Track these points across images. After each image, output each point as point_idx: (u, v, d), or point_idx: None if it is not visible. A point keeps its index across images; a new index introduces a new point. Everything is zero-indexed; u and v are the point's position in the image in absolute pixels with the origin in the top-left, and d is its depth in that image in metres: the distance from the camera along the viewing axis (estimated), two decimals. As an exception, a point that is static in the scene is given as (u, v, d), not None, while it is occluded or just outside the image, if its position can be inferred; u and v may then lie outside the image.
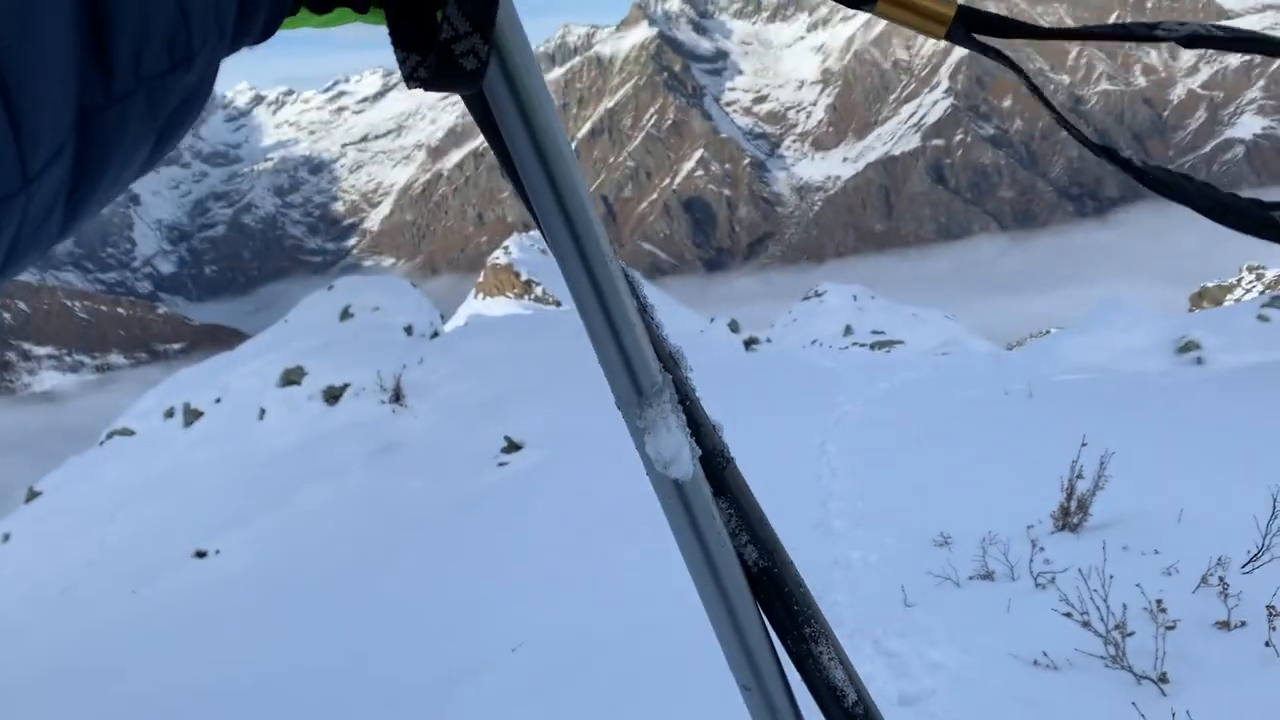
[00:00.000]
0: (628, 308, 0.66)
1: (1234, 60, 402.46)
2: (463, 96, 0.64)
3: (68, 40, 0.34)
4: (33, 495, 15.62)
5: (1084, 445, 5.33)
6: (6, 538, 14.34)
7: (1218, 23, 0.62)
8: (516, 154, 0.62)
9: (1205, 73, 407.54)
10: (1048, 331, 37.84)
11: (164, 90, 0.41)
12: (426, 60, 0.55)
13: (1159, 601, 3.50)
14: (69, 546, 12.89)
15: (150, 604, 9.71)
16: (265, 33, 0.50)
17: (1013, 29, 0.64)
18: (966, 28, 0.63)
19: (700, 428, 0.73)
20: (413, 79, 0.56)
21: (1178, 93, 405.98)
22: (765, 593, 0.74)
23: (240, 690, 6.14)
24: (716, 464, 0.73)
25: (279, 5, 0.50)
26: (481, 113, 0.66)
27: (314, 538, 10.33)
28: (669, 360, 0.71)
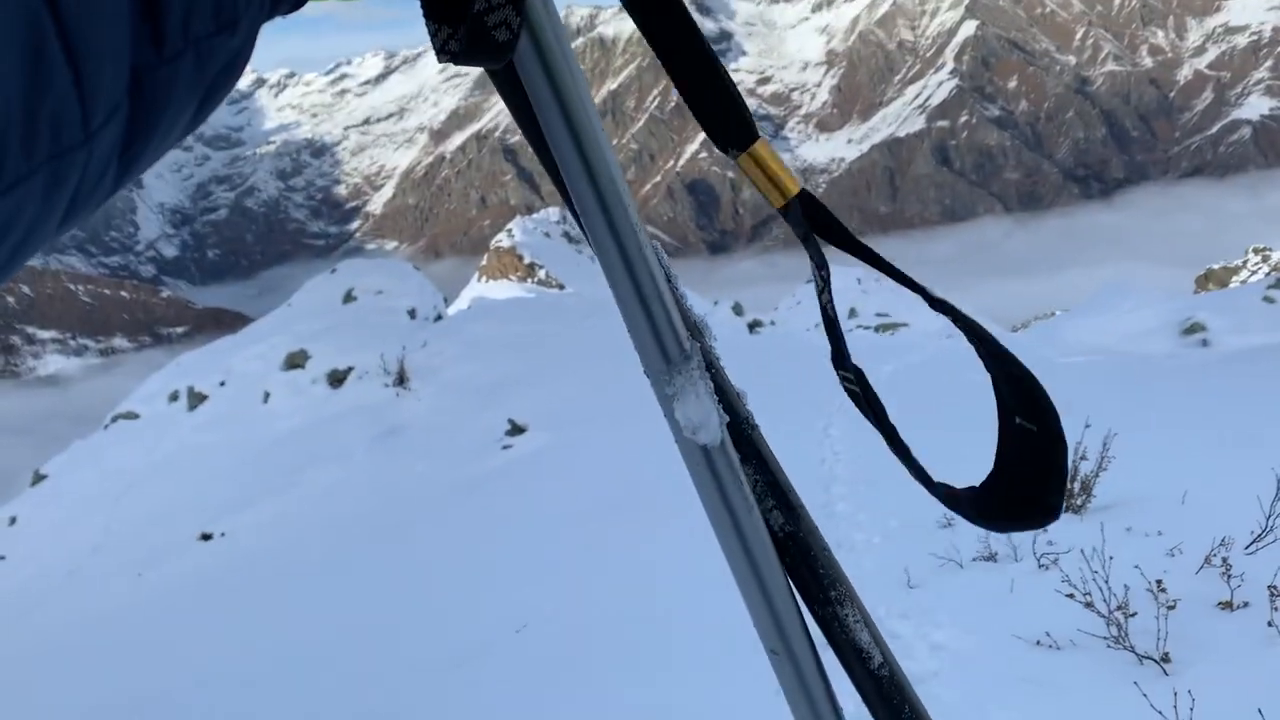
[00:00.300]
0: (657, 277, 0.66)
1: (1241, 41, 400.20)
2: (489, 71, 0.64)
3: (123, 4, 0.36)
4: (38, 479, 15.68)
5: (1088, 427, 5.32)
6: (13, 521, 14.41)
7: (976, 327, 0.67)
8: (547, 126, 0.63)
9: (1212, 53, 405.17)
10: (1052, 314, 37.78)
11: (210, 52, 0.42)
12: (458, 32, 0.56)
13: (1159, 581, 3.50)
14: (75, 530, 12.95)
15: (156, 587, 9.75)
16: (293, 5, 0.51)
17: (834, 234, 0.68)
18: (802, 210, 0.67)
19: (725, 395, 0.73)
20: (444, 51, 0.57)
21: (1184, 73, 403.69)
22: (791, 557, 0.75)
23: (245, 672, 6.18)
24: (742, 430, 0.73)
25: None
26: (509, 86, 0.66)
27: (318, 521, 10.36)
28: (694, 329, 0.72)
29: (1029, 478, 0.69)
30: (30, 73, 0.32)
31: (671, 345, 0.67)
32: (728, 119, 0.65)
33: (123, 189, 0.42)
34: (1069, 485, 5.14)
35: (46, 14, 0.33)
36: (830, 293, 0.70)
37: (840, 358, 0.70)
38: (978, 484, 0.73)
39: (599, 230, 0.65)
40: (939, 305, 0.68)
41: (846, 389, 0.72)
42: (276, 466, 12.57)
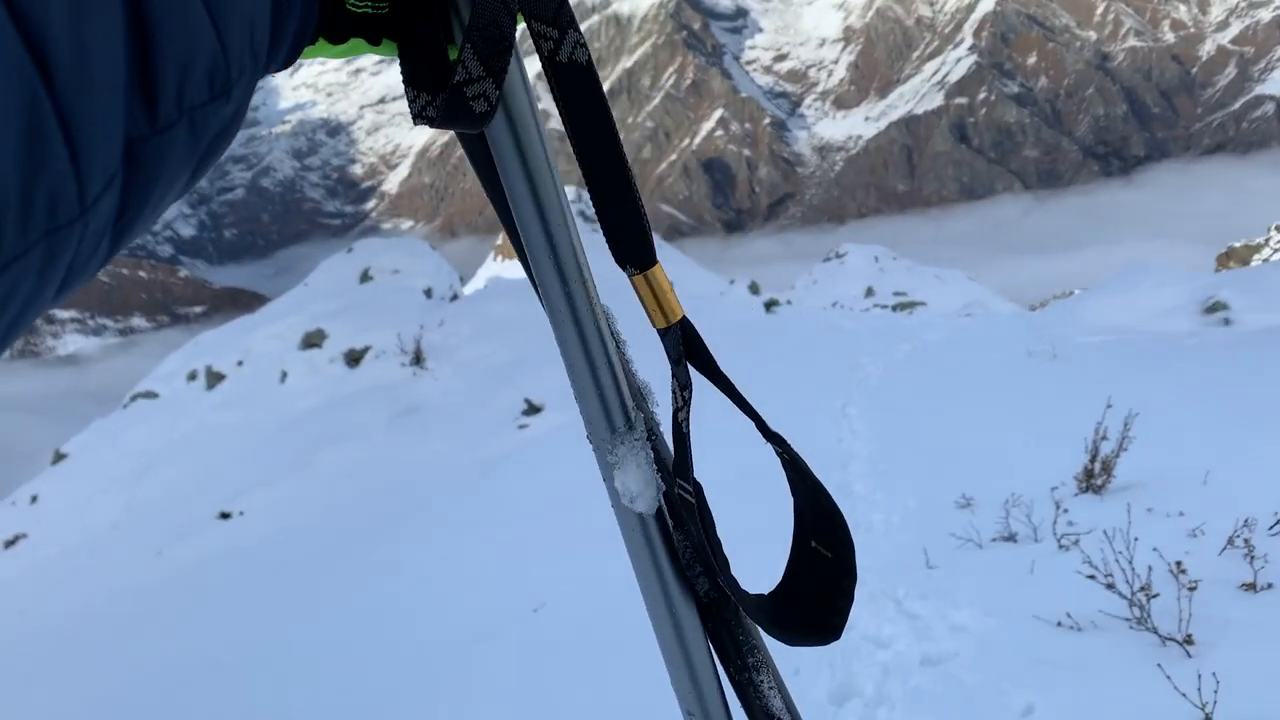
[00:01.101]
0: (608, 348, 0.69)
1: (1265, 15, 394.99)
2: (459, 134, 0.67)
3: (119, 73, 0.36)
4: (59, 457, 15.82)
5: (1109, 407, 5.27)
6: (34, 499, 14.55)
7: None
8: (512, 196, 0.65)
9: (1236, 28, 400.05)
10: (1071, 292, 37.53)
11: (205, 120, 0.43)
12: (436, 100, 0.58)
13: (1179, 563, 3.47)
14: (95, 508, 13.06)
15: (176, 565, 9.83)
16: (287, 62, 0.53)
17: (703, 364, 0.72)
18: (682, 335, 0.71)
19: (664, 459, 0.76)
20: (421, 117, 0.59)
21: (1207, 49, 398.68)
22: (714, 621, 0.77)
23: (262, 649, 6.22)
24: (682, 494, 0.75)
25: (301, 36, 0.52)
26: (477, 150, 0.69)
27: (337, 500, 10.41)
28: (638, 395, 0.74)
29: (817, 600, 0.73)
30: (27, 150, 0.33)
31: (617, 415, 0.70)
32: (634, 240, 0.68)
33: (115, 257, 0.42)
34: (1090, 465, 5.11)
35: (43, 91, 0.33)
36: (688, 411, 0.73)
37: (682, 469, 0.73)
38: (766, 593, 0.77)
39: (555, 301, 0.67)
40: (771, 437, 0.73)
41: (680, 497, 0.74)
42: (294, 446, 12.63)
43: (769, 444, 0.73)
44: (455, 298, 18.42)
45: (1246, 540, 3.60)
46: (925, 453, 6.90)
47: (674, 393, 0.73)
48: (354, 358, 15.06)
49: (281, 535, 9.68)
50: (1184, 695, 2.68)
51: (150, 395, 16.71)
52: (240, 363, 16.19)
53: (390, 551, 7.77)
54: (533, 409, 11.35)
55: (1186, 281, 14.11)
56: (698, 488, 0.73)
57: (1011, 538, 4.67)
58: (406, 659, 5.13)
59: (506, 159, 0.63)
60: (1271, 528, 3.99)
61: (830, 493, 0.73)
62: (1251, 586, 3.53)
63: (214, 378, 16.12)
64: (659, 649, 0.77)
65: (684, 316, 0.72)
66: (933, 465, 6.50)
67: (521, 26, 0.63)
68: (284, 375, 15.34)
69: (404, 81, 0.59)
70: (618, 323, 0.74)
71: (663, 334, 0.72)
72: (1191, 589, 3.29)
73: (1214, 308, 12.05)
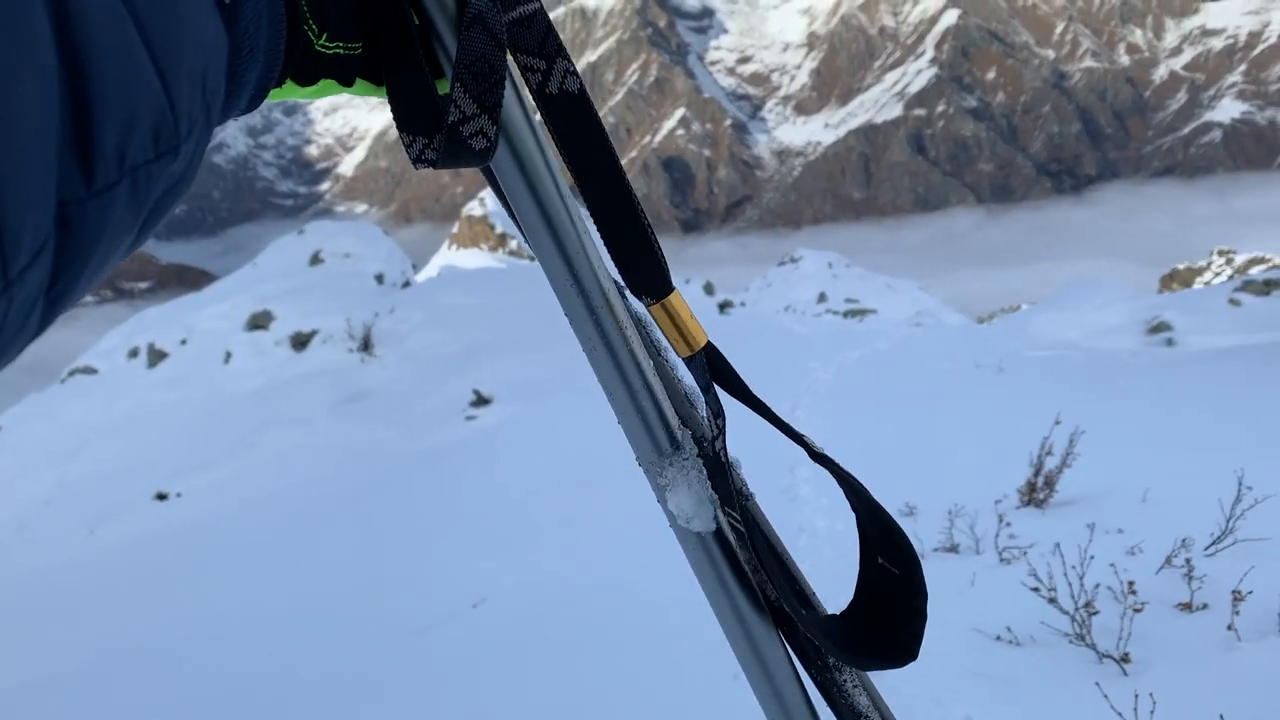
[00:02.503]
0: (645, 370, 0.66)
1: (1217, 44, 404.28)
2: None
3: (50, 134, 0.33)
4: (-9, 430, 15.38)
5: (1058, 423, 5.32)
6: (-38, 472, 14.13)
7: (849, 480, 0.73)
8: (525, 224, 0.62)
9: (1188, 54, 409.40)
10: (1019, 306, 38.12)
11: (149, 179, 0.39)
12: (434, 142, 0.56)
13: (1131, 584, 3.50)
14: (26, 484, 12.72)
15: (109, 545, 9.60)
16: (251, 105, 0.50)
17: (734, 387, 0.71)
18: (707, 362, 0.70)
19: (720, 469, 0.73)
20: (420, 160, 0.57)
21: (1160, 73, 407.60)
22: (788, 624, 0.76)
23: (195, 636, 6.08)
24: (736, 503, 0.73)
25: (265, 81, 0.49)
26: (493, 177, 0.67)
27: (277, 485, 10.23)
28: (684, 404, 0.73)
29: (890, 619, 0.72)
30: None
31: (662, 437, 0.68)
32: (647, 269, 0.66)
33: (50, 325, 0.38)
34: (1034, 479, 5.16)
35: None
36: (724, 438, 0.72)
37: (728, 498, 0.71)
38: (837, 613, 0.75)
39: (584, 330, 0.65)
40: (820, 459, 0.72)
41: (732, 526, 0.72)
42: (236, 428, 12.40)
43: (819, 464, 0.72)
44: (407, 285, 18.23)
45: (1187, 560, 3.63)
46: (871, 459, 6.91)
47: (707, 420, 0.72)
48: (301, 341, 14.83)
49: (217, 520, 9.49)
50: (1120, 715, 2.69)
51: (89, 370, 16.32)
52: (184, 341, 15.87)
53: (328, 541, 7.65)
54: (481, 400, 11.25)
55: (1132, 301, 14.38)
56: (745, 513, 0.72)
57: (954, 549, 4.69)
58: (344, 650, 5.04)
59: (515, 190, 0.61)
60: (1208, 548, 4.04)
61: (887, 510, 0.72)
62: (1188, 606, 3.57)
63: (156, 356, 15.79)
64: (739, 665, 0.75)
65: (708, 342, 0.70)
66: (878, 472, 6.50)
67: None
68: (228, 356, 15.06)
69: (397, 126, 0.56)
70: (656, 329, 0.72)
71: (687, 362, 0.70)
72: (1138, 610, 3.31)
73: (1158, 328, 12.28)
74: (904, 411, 8.47)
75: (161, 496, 10.84)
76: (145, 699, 5.17)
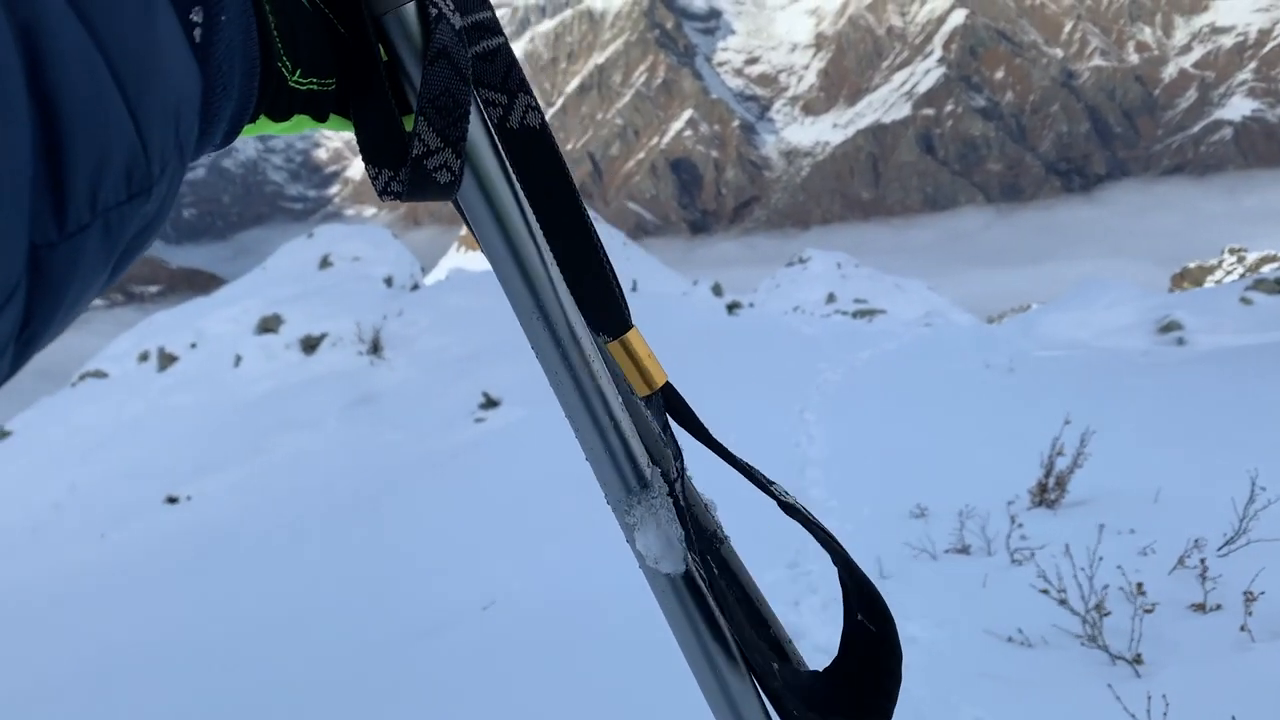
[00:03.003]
0: (612, 405, 0.65)
1: (1227, 41, 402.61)
2: None
3: (21, 178, 0.32)
4: (2, 434, 15.45)
5: (1067, 423, 5.30)
6: (-25, 476, 14.19)
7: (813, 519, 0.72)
8: (490, 255, 0.62)
9: (1198, 52, 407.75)
10: (1028, 306, 38.01)
11: (121, 220, 0.38)
12: (400, 175, 0.56)
13: (1139, 585, 3.48)
14: (38, 487, 12.77)
15: (120, 548, 9.63)
16: (225, 142, 0.49)
17: (690, 425, 0.71)
18: (665, 399, 0.70)
19: (693, 509, 0.72)
20: (386, 193, 0.57)
21: (1169, 71, 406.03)
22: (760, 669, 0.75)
23: (205, 640, 6.10)
24: (710, 546, 0.72)
25: (239, 117, 0.49)
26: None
27: (288, 488, 10.25)
28: (656, 442, 0.71)
29: (862, 678, 0.71)
30: None
31: (630, 475, 0.67)
32: (606, 306, 0.66)
33: (21, 368, 0.38)
34: (1045, 480, 5.13)
35: None
36: (684, 480, 0.70)
37: (691, 544, 0.69)
38: (814, 669, 0.74)
39: (551, 364, 0.64)
40: (789, 509, 0.71)
41: (697, 572, 0.71)
42: (246, 431, 12.44)
43: (788, 515, 0.71)
44: (416, 287, 18.26)
45: (1200, 561, 3.62)
46: (881, 460, 6.91)
47: (668, 461, 0.71)
48: (310, 344, 14.87)
49: (228, 523, 9.51)
50: (1133, 716, 2.67)
51: (100, 375, 16.38)
52: (194, 345, 15.92)
53: (340, 542, 7.66)
54: (490, 402, 11.26)
55: (1142, 300, 14.32)
56: (719, 556, 0.71)
57: (965, 550, 4.67)
58: (352, 652, 5.04)
59: (481, 222, 0.60)
60: (1221, 548, 4.02)
61: (861, 568, 0.71)
62: (1201, 607, 3.55)
63: (166, 359, 15.84)
64: (709, 709, 0.73)
65: (666, 382, 0.70)
66: (888, 473, 6.51)
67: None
68: (238, 359, 15.10)
69: (363, 159, 0.56)
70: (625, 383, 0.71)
71: (645, 401, 0.69)
72: (1148, 611, 3.30)
73: (1168, 327, 12.23)
74: (914, 412, 8.45)
75: (172, 500, 10.87)
76: (157, 701, 5.19)
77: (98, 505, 11.49)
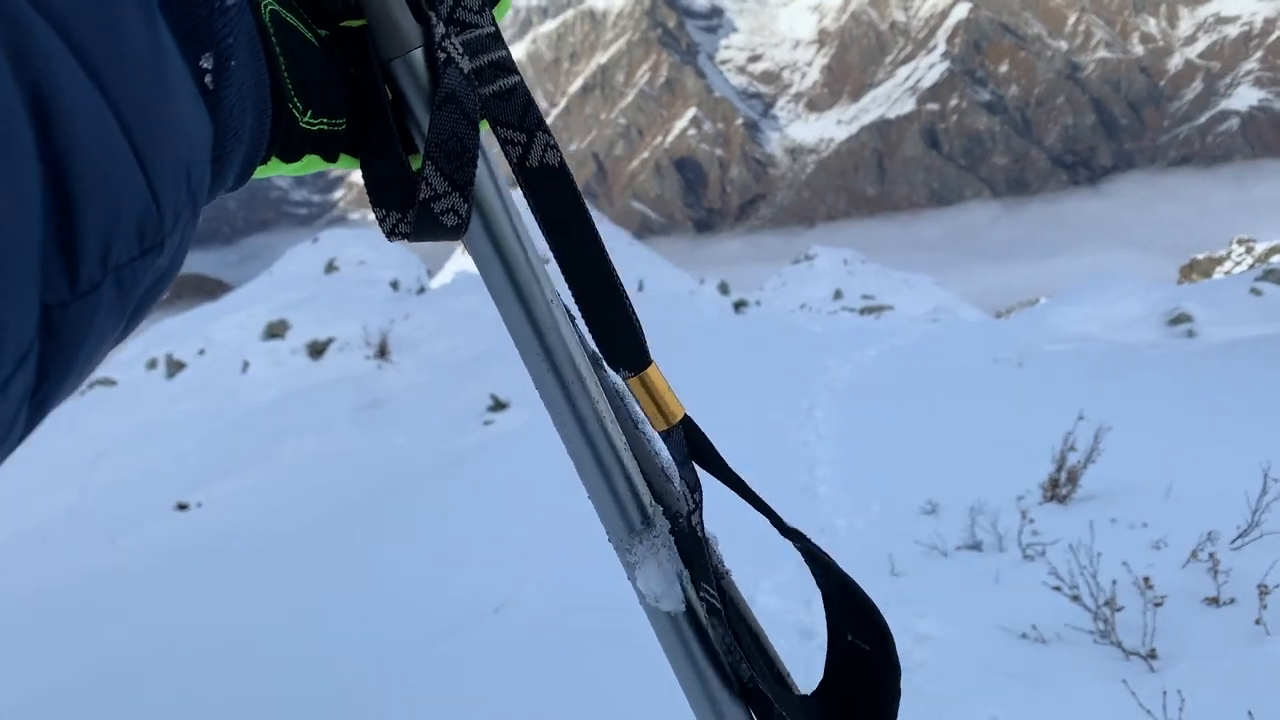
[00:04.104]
0: (617, 445, 0.65)
1: (1233, 31, 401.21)
2: None
3: (32, 239, 0.31)
4: (13, 443, 15.50)
5: (1080, 419, 5.28)
6: (-14, 485, 14.25)
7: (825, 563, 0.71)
8: (495, 294, 0.62)
9: (1203, 43, 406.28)
10: (1037, 300, 37.91)
11: (134, 276, 0.37)
12: (407, 217, 0.56)
13: (1147, 578, 3.46)
14: (48, 495, 12.81)
15: (131, 555, 9.65)
16: (237, 185, 0.49)
17: (710, 463, 0.70)
18: (685, 435, 0.69)
19: (697, 544, 0.72)
20: (394, 234, 0.57)
21: (1175, 62, 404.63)
22: (760, 705, 0.74)
23: (218, 644, 6.10)
24: (713, 580, 0.72)
25: (250, 161, 0.49)
26: None
27: (297, 493, 10.27)
28: (659, 479, 0.71)
29: (861, 700, 0.70)
30: None
31: (634, 514, 0.67)
32: (625, 342, 0.66)
33: (36, 428, 0.37)
34: (1056, 475, 5.11)
35: None
36: (701, 514, 0.70)
37: (705, 575, 0.69)
38: (809, 693, 0.72)
39: (554, 403, 0.64)
40: (790, 534, 0.70)
41: (706, 603, 0.70)
42: (255, 437, 12.46)
43: (788, 539, 0.70)
44: (422, 290, 18.28)
45: (1212, 555, 3.59)
46: (891, 457, 6.89)
47: (683, 496, 0.70)
48: (317, 349, 14.89)
49: (239, 528, 9.53)
50: (1149, 712, 2.66)
51: (108, 382, 16.43)
52: (201, 351, 15.96)
53: (351, 546, 7.67)
54: (499, 405, 11.26)
55: (1151, 292, 14.27)
56: (721, 590, 0.70)
57: (976, 546, 4.65)
58: (366, 655, 5.05)
59: (485, 260, 0.60)
60: (1234, 541, 3.99)
61: (858, 584, 0.71)
62: (1215, 600, 3.53)
63: (174, 366, 15.88)
64: None
65: (685, 416, 0.70)
66: (898, 469, 6.50)
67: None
68: (245, 365, 15.13)
69: (370, 201, 0.57)
70: (633, 401, 0.70)
71: (664, 436, 0.69)
72: (1158, 604, 3.28)
73: (1178, 319, 12.18)
74: (923, 408, 8.42)
75: (182, 506, 10.89)
76: (170, 706, 5.19)
77: (108, 512, 11.52)
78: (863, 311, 31.13)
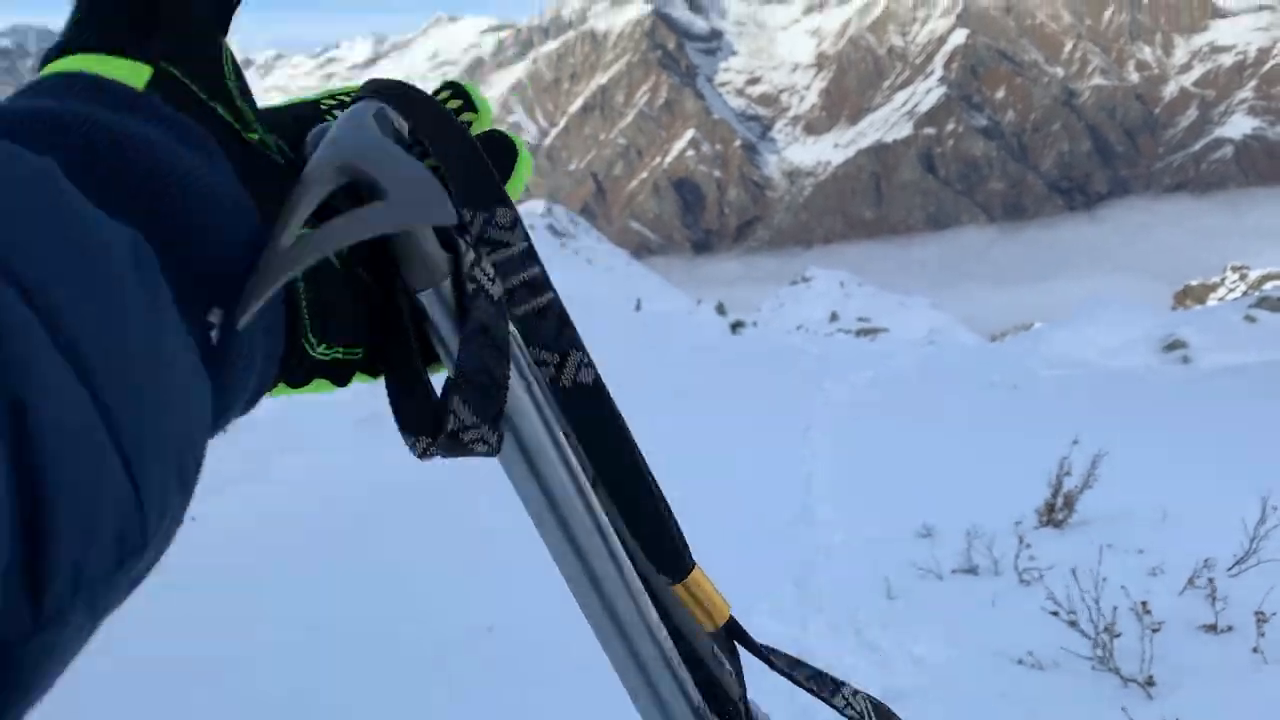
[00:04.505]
0: (669, 657, 0.64)
1: (1227, 60, 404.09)
2: None
3: None
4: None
5: (1075, 443, 5.29)
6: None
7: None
8: (533, 513, 0.60)
9: (1198, 70, 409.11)
10: (1032, 324, 38.01)
11: (109, 590, 0.32)
12: (437, 441, 0.53)
13: (1144, 603, 3.46)
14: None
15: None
16: (241, 414, 0.47)
17: (756, 651, 0.70)
18: (728, 632, 0.70)
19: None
20: (425, 456, 0.55)
21: (1170, 90, 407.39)
22: None
23: (205, 664, 6.07)
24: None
25: (254, 400, 0.46)
26: None
27: (293, 509, 10.23)
28: (716, 683, 0.70)
29: None
30: None
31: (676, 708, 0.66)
32: (668, 551, 0.65)
33: None
34: (1053, 500, 5.12)
35: None
36: (747, 703, 0.70)
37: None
38: None
39: (602, 625, 0.62)
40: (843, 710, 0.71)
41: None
42: (249, 451, 12.43)
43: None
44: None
45: (1210, 581, 3.60)
46: (886, 479, 6.90)
47: (736, 678, 0.70)
48: (315, 364, 14.88)
49: (227, 545, 9.48)
50: (1146, 738, 2.66)
51: (104, 395, 16.41)
52: (198, 365, 15.95)
53: (348, 564, 7.64)
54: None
55: (1146, 318, 14.32)
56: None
57: (972, 570, 4.66)
58: (367, 677, 5.02)
59: (520, 480, 0.58)
60: (1231, 568, 4.00)
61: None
62: (1212, 628, 3.53)
63: (170, 379, 15.87)
64: None
65: (730, 616, 0.69)
66: (894, 492, 6.50)
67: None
68: (242, 379, 15.12)
69: (398, 426, 0.53)
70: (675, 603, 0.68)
71: (711, 634, 0.69)
72: (1155, 630, 3.28)
73: (1174, 345, 12.22)
74: (919, 431, 8.44)
75: (176, 521, 10.85)
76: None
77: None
78: (859, 333, 31.23)
